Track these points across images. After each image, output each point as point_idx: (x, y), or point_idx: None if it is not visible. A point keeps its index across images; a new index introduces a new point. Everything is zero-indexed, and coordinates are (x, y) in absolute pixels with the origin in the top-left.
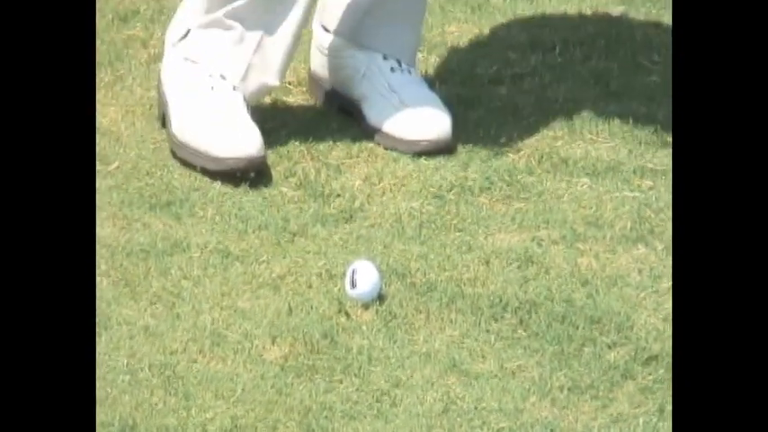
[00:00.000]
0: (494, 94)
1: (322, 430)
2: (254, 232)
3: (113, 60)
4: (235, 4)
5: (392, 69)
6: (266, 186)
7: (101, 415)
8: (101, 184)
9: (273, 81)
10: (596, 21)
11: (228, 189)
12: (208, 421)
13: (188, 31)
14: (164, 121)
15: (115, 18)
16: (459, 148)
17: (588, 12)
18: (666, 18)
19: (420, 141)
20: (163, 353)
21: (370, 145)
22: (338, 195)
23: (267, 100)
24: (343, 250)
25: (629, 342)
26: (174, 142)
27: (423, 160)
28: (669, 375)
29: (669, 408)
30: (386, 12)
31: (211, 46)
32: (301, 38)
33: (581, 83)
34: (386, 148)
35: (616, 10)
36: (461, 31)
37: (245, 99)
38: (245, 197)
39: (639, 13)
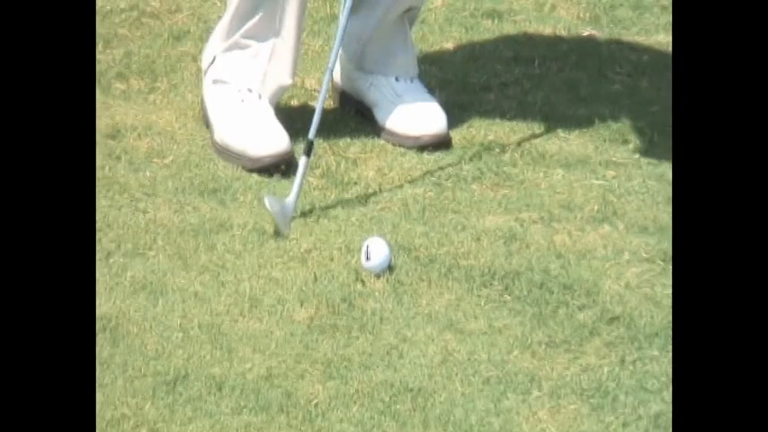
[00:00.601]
0: (483, 100)
1: (342, 378)
2: None
3: (168, 72)
4: (247, 25)
5: (396, 79)
6: (295, 177)
7: (157, 366)
8: (157, 174)
9: (287, 80)
10: (569, 39)
11: (264, 179)
12: (247, 371)
13: (214, 58)
14: (207, 126)
15: (170, 37)
16: (455, 144)
17: (562, 32)
18: (627, 37)
19: (422, 137)
20: (210, 314)
21: (381, 142)
22: (355, 183)
23: (296, 104)
24: (359, 229)
25: (595, 305)
26: (217, 148)
27: (425, 155)
28: (629, 333)
29: (629, 359)
30: (381, 39)
31: (234, 65)
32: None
33: (556, 90)
34: (394, 145)
35: (585, 30)
36: (457, 47)
37: (269, 102)
38: (278, 185)
39: (604, 33)
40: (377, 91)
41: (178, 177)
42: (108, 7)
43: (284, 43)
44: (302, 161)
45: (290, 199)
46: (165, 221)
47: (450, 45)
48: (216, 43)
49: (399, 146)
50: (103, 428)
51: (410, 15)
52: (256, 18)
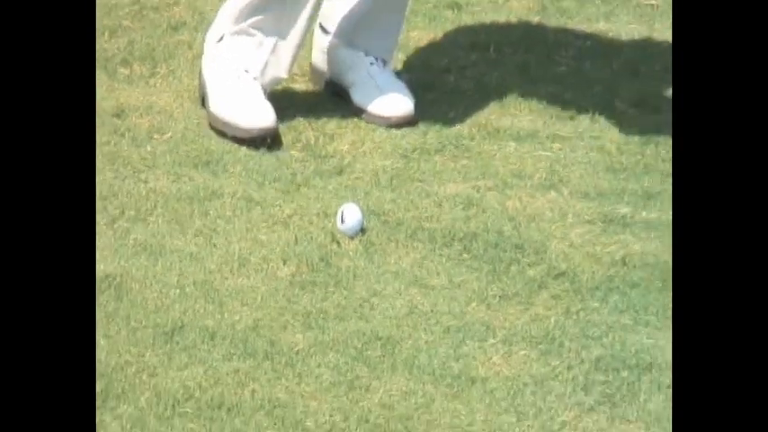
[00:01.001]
0: (445, 81)
1: (320, 328)
2: (269, 184)
3: (167, 58)
4: (256, 17)
5: (371, 63)
6: (279, 150)
7: (157, 319)
8: (157, 148)
9: (284, 74)
10: (520, 27)
11: (251, 152)
12: (236, 322)
13: (222, 36)
14: (203, 101)
15: (168, 27)
16: (420, 120)
17: (515, 21)
18: (571, 25)
19: (391, 117)
20: (203, 273)
21: (356, 120)
22: (332, 156)
23: (279, 87)
24: (335, 196)
25: (543, 262)
26: (211, 116)
27: (393, 130)
28: (573, 286)
29: (573, 309)
30: (375, 20)
31: (239, 49)
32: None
33: (509, 72)
34: (367, 122)
35: (534, 19)
36: (421, 35)
37: (263, 87)
38: (264, 158)
39: (551, 22)
40: (354, 74)
41: (175, 151)
42: (114, 1)
43: (287, 44)
44: None
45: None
46: (163, 190)
47: (415, 33)
48: (225, 23)
49: (371, 123)
50: (109, 374)
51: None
52: (266, 14)
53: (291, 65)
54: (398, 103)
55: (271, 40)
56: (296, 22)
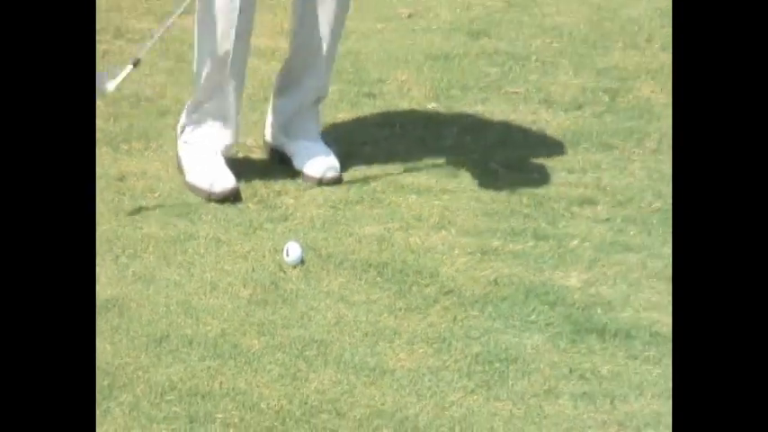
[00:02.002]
0: (363, 150)
1: (270, 335)
2: (233, 228)
3: (157, 137)
4: (201, 111)
5: (306, 140)
6: (240, 203)
7: (149, 330)
8: (149, 203)
9: (232, 140)
10: (419, 110)
11: (219, 206)
12: (208, 331)
13: (184, 126)
14: (181, 171)
15: (158, 113)
16: (345, 179)
17: (415, 105)
18: (457, 108)
19: (323, 178)
20: (184, 295)
21: (297, 179)
22: (279, 207)
23: (240, 155)
24: (282, 237)
25: (437, 283)
26: (187, 184)
27: (325, 187)
28: (459, 300)
29: (459, 318)
30: (300, 116)
31: (197, 133)
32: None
33: (411, 144)
34: (305, 182)
35: (429, 104)
36: (345, 116)
37: (223, 156)
38: (228, 209)
39: (442, 106)
40: (294, 147)
41: (163, 205)
42: (118, 95)
43: (227, 122)
44: (128, 68)
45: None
46: (154, 234)
47: (341, 115)
48: (185, 117)
49: (308, 182)
50: (113, 371)
51: (320, 99)
52: (207, 107)
53: (236, 134)
54: (328, 167)
55: (216, 123)
56: (228, 108)
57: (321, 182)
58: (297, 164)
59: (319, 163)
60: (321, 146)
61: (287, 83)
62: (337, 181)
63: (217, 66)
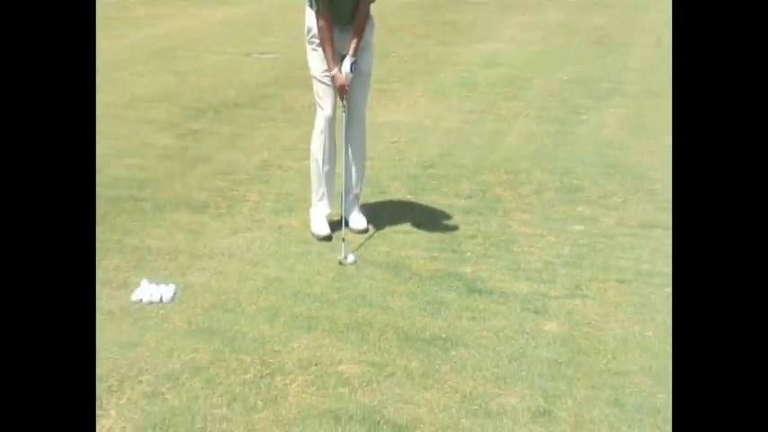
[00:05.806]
0: (381, 216)
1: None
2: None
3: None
4: (320, 190)
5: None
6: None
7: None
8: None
9: (330, 210)
10: (402, 203)
11: (313, 245)
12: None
13: (313, 202)
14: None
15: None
16: (370, 231)
17: (398, 198)
18: (433, 201)
19: (358, 229)
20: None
21: (346, 230)
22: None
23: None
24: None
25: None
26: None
27: (358, 234)
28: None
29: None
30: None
31: (318, 209)
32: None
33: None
34: (352, 231)
35: (408, 198)
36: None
37: (325, 218)
38: (325, 246)
39: (421, 198)
40: (348, 213)
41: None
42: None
43: (329, 197)
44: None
45: (351, 257)
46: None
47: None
48: (313, 196)
49: (352, 231)
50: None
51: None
52: (321, 188)
53: (332, 205)
54: (361, 223)
55: (327, 199)
56: (331, 185)
57: (358, 231)
58: (348, 221)
59: (357, 221)
60: (357, 210)
61: (347, 187)
62: (365, 231)
63: (321, 180)
